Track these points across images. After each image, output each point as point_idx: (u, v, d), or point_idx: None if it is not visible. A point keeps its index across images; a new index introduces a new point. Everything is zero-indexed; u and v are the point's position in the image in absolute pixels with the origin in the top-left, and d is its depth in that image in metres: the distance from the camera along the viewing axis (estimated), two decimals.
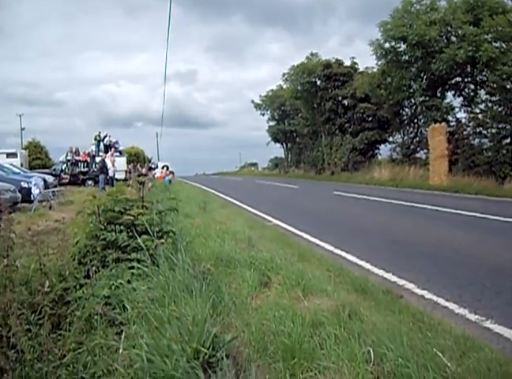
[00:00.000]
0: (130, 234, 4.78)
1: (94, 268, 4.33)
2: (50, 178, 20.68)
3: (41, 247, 4.05)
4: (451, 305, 4.23)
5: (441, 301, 4.38)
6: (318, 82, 33.80)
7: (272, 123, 47.86)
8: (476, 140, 22.48)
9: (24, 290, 3.38)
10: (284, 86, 39.72)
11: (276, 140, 48.48)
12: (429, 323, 3.54)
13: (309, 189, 21.80)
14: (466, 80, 23.85)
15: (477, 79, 23.01)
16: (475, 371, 2.62)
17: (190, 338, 2.52)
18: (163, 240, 4.72)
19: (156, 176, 31.73)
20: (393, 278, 5.14)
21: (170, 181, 25.67)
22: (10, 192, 13.10)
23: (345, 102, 32.69)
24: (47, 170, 27.84)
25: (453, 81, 24.08)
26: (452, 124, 23.70)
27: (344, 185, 23.44)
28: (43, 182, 17.44)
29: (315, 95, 33.83)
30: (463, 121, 23.72)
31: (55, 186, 19.82)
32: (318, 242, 7.35)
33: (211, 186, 24.63)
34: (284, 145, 47.50)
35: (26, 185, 15.57)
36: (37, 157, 39.21)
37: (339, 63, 34.06)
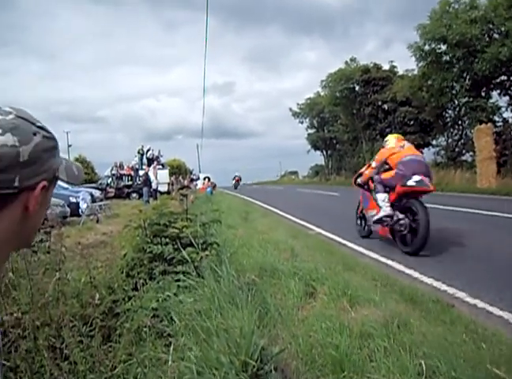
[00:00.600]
0: (176, 246, 4.85)
1: (141, 281, 4.42)
2: (96, 193, 21.39)
3: (90, 260, 4.17)
4: (506, 315, 4.04)
5: (494, 310, 4.18)
6: (357, 88, 33.49)
7: (311, 131, 47.74)
8: None
9: (76, 302, 3.49)
10: (322, 93, 39.55)
11: (315, 147, 48.56)
12: (483, 333, 3.38)
13: (350, 196, 21.39)
14: None
15: None
16: None
17: (237, 350, 2.52)
18: (207, 252, 4.76)
19: (197, 188, 32.35)
20: (443, 286, 4.96)
21: (212, 192, 26.05)
22: (60, 207, 13.66)
23: (385, 106, 32.17)
24: (93, 185, 28.84)
25: (497, 80, 23.25)
26: (499, 124, 22.86)
27: None
28: (90, 197, 18.07)
29: (354, 101, 33.49)
30: (510, 121, 22.75)
31: (101, 200, 20.47)
32: (362, 250, 7.22)
33: (251, 196, 25.04)
34: (324, 153, 47.15)
35: (74, 200, 16.19)
36: (84, 172, 40.85)
37: (377, 67, 33.65)
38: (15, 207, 0.89)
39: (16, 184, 0.87)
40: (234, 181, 44.45)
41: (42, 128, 0.95)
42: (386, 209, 7.08)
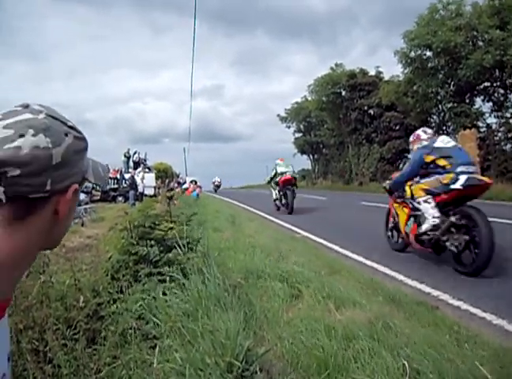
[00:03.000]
0: (161, 248, 4.84)
1: (127, 283, 4.41)
2: (82, 196, 21.16)
3: (75, 263, 4.14)
4: (489, 316, 4.10)
5: (478, 311, 4.24)
6: (343, 92, 33.74)
7: (298, 135, 48.24)
8: (508, 146, 21.82)
9: (60, 305, 3.45)
10: (309, 98, 39.65)
11: (302, 151, 48.59)
12: (466, 335, 3.43)
13: (337, 200, 21.58)
14: (495, 84, 23.33)
15: (506, 83, 22.46)
16: None
17: (223, 351, 2.53)
18: (193, 254, 4.75)
19: (183, 189, 32.35)
20: (427, 289, 5.02)
21: (198, 195, 25.98)
22: None
23: (371, 111, 32.48)
24: None
25: (481, 86, 23.58)
26: (482, 130, 23.15)
27: (372, 195, 23.07)
28: None
29: (340, 106, 33.73)
30: (493, 126, 23.08)
31: (87, 203, 20.25)
32: (348, 253, 7.24)
33: (238, 200, 24.99)
34: (311, 157, 47.38)
35: None
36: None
37: (364, 73, 33.97)
38: (46, 211, 0.87)
39: (47, 187, 0.85)
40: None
41: (73, 128, 0.93)
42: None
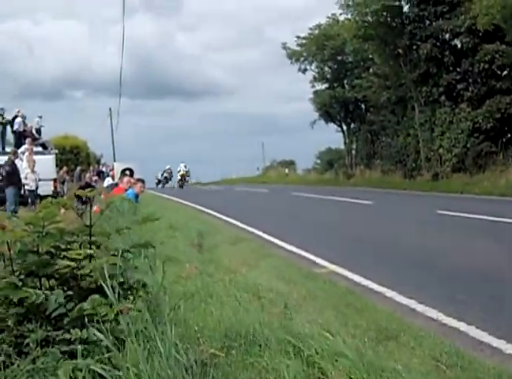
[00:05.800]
0: (70, 292, 3.44)
1: (3, 359, 3.06)
2: None
3: None
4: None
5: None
6: (406, 7, 23.87)
7: (320, 86, 35.27)
8: None
9: None
10: (342, 17, 28.42)
11: (328, 116, 35.53)
12: None
13: (393, 206, 16.76)
14: None
15: None
16: None
17: None
18: (129, 303, 3.38)
19: (107, 184, 23.23)
20: None
21: (137, 196, 15.04)
22: None
23: (457, 42, 22.74)
24: None
25: None
26: None
27: (457, 198, 17.55)
28: None
29: (400, 32, 23.41)
30: None
31: None
32: (410, 303, 5.49)
33: (211, 205, 18.67)
34: (344, 127, 35.03)
35: None
36: None
37: None
38: None
39: None
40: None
41: None
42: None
